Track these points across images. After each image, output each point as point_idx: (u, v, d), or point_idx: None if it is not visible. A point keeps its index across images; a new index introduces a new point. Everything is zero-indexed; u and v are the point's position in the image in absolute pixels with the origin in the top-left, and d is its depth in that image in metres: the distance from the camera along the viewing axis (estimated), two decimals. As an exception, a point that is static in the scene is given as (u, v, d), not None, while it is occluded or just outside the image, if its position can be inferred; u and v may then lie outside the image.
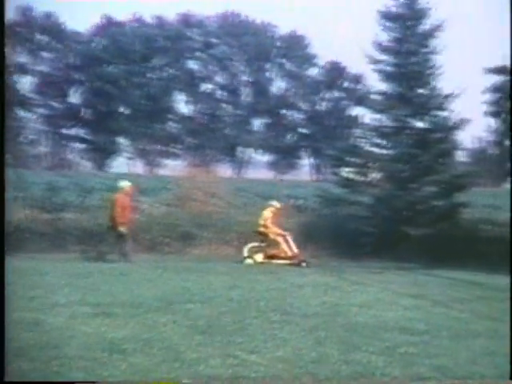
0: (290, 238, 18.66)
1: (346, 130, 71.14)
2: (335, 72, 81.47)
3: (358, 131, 26.24)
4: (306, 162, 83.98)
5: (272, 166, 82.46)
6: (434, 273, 16.84)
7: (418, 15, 23.01)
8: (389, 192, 22.17)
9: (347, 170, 23.51)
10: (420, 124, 23.47)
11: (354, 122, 60.23)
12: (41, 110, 74.48)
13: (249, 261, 18.31)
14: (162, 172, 61.03)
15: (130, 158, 78.13)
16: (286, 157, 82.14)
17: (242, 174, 77.99)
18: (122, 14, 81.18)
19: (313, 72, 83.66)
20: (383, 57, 23.23)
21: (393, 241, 20.62)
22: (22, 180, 25.87)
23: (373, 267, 17.96)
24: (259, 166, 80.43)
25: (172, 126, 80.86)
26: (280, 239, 18.57)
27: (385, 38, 23.13)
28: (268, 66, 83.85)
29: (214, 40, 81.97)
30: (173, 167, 27.33)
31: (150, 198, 24.48)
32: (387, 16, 23.02)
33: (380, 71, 23.24)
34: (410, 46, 22.99)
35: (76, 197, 24.95)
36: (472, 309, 11.47)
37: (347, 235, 21.10)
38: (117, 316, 9.69)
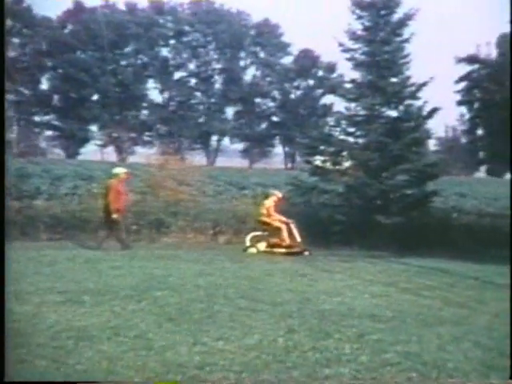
0: (293, 227, 18.54)
1: (318, 118, 71.37)
2: (308, 61, 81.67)
3: (330, 120, 26.22)
4: (280, 150, 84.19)
5: (245, 154, 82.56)
6: (403, 261, 16.92)
7: (391, 4, 23.01)
8: (361, 180, 22.21)
9: (319, 158, 23.49)
10: (392, 113, 23.51)
11: (326, 110, 60.48)
12: (11, 97, 73.68)
13: (252, 250, 18.18)
14: (134, 160, 60.73)
15: (102, 146, 77.73)
16: (259, 145, 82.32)
17: (215, 162, 77.94)
18: (93, 0, 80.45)
19: (286, 60, 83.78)
20: (356, 45, 23.20)
21: (364, 229, 20.66)
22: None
23: (343, 255, 17.98)
24: (232, 154, 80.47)
25: (144, 114, 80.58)
26: (283, 227, 18.45)
27: (358, 26, 23.13)
28: (241, 54, 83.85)
29: (187, 28, 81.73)
30: (145, 155, 27.14)
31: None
32: (360, 5, 22.99)
33: (353, 60, 23.21)
34: (383, 34, 22.98)
35: (47, 184, 24.76)
36: (440, 296, 11.54)
37: (319, 223, 21.10)
38: (84, 303, 9.63)
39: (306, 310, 9.72)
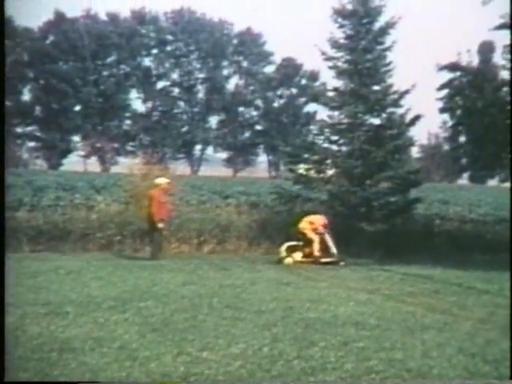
0: (328, 237, 18.50)
1: (302, 126, 71.60)
2: (291, 69, 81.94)
3: (313, 128, 26.27)
4: (264, 158, 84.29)
5: (229, 163, 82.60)
6: (387, 268, 16.95)
7: (373, 12, 23.12)
8: (344, 188, 22.27)
9: (303, 166, 23.52)
10: (375, 120, 23.59)
11: (309, 118, 60.67)
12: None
13: (288, 260, 18.14)
14: (117, 170, 60.52)
15: (84, 156, 77.47)
16: (242, 154, 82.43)
17: (199, 171, 77.89)
18: (74, 11, 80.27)
19: (269, 69, 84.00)
20: (339, 54, 23.28)
21: (347, 236, 20.66)
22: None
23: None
24: (216, 163, 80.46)
25: (127, 124, 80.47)
26: (316, 238, 18.40)
27: (340, 35, 23.20)
28: (224, 63, 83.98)
29: (169, 37, 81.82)
30: (128, 165, 27.05)
31: (104, 196, 24.25)
32: (342, 13, 23.07)
33: (335, 68, 23.28)
34: (364, 43, 23.07)
35: (29, 196, 24.59)
36: (424, 302, 11.57)
37: (302, 232, 21.11)
38: (67, 315, 9.57)
39: (290, 319, 9.71)
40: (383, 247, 20.37)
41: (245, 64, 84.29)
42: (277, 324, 9.30)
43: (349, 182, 22.50)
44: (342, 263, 17.99)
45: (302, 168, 23.48)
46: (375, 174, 22.52)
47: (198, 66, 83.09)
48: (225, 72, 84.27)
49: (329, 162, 23.22)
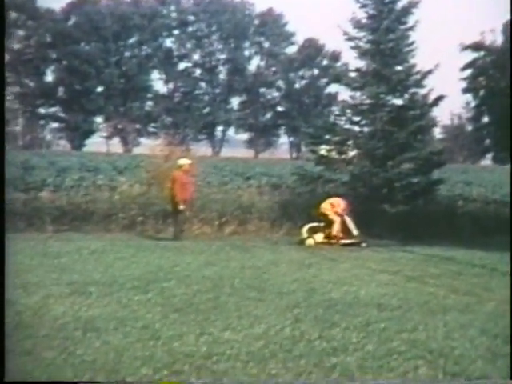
0: (349, 219, 18.51)
1: (323, 107, 71.31)
2: (313, 50, 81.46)
3: (335, 109, 26.16)
4: (285, 140, 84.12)
5: (250, 144, 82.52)
6: (409, 249, 16.92)
7: (396, -9, 22.93)
8: (366, 169, 22.18)
9: (325, 147, 23.45)
10: (397, 101, 23.44)
11: (331, 99, 60.40)
12: (16, 89, 73.71)
13: (309, 241, 18.15)
14: (139, 151, 60.72)
15: (107, 137, 77.75)
16: (264, 135, 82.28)
17: (220, 152, 77.90)
18: (97, -8, 79.97)
19: (291, 50, 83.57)
20: (361, 34, 23.11)
21: (369, 218, 20.61)
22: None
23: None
24: (237, 144, 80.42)
25: (149, 105, 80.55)
26: (337, 219, 18.41)
27: (362, 15, 23.03)
28: (246, 44, 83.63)
29: (190, 18, 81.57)
30: (151, 146, 27.10)
31: (127, 177, 24.35)
32: (365, -8, 22.90)
33: (358, 48, 23.13)
34: (387, 22, 22.87)
35: (52, 176, 24.75)
36: (446, 284, 11.53)
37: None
38: (91, 295, 9.65)
39: (312, 300, 9.73)
40: (405, 229, 20.30)
41: (266, 45, 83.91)
42: (299, 305, 9.32)
43: (371, 163, 22.40)
44: (364, 244, 17.98)
45: (323, 149, 23.41)
46: (397, 155, 22.40)
47: (220, 46, 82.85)
48: (246, 53, 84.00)
49: (350, 143, 23.13)
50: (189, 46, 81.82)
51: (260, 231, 20.18)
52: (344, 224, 18.48)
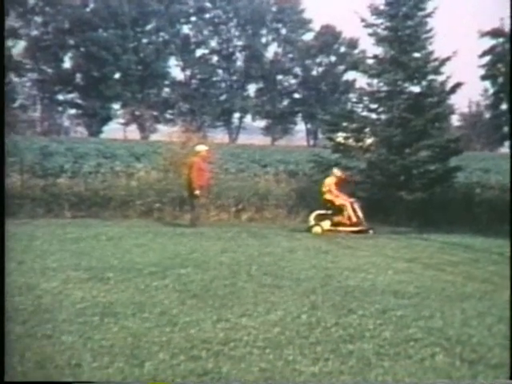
0: (357, 205, 18.49)
1: (340, 94, 71.12)
2: (330, 37, 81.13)
3: (352, 96, 26.11)
4: (302, 127, 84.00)
5: (267, 131, 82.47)
6: (426, 236, 16.89)
7: (415, -23, 22.78)
8: (383, 157, 22.14)
9: (342, 135, 23.42)
10: (415, 88, 23.36)
11: (348, 86, 60.20)
12: (33, 75, 73.98)
13: (316, 228, 18.08)
14: (157, 137, 60.84)
15: (124, 124, 77.97)
16: (280, 122, 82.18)
17: (237, 139, 77.94)
18: (114, -22, 79.79)
19: (308, 37, 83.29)
20: (378, 20, 23.00)
21: (386, 205, 20.62)
22: (15, 145, 25.79)
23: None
24: (254, 131, 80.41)
25: (166, 92, 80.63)
26: (348, 205, 18.41)
27: (380, 1, 22.92)
28: (263, 31, 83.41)
29: (207, 4, 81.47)
30: (168, 133, 27.19)
31: (144, 164, 24.44)
32: (383, -22, 22.79)
33: (375, 35, 23.02)
34: (405, 9, 22.76)
35: (70, 163, 24.89)
36: (463, 271, 11.51)
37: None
38: (109, 280, 9.72)
39: (328, 287, 9.75)
40: (422, 216, 20.27)
41: (283, 31, 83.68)
42: (315, 292, 9.34)
43: (388, 151, 22.36)
44: (371, 231, 17.94)
45: (340, 136, 23.38)
46: (415, 143, 22.33)
47: (237, 33, 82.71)
48: (263, 40, 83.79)
49: (368, 130, 23.08)
50: (206, 32, 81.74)
51: (277, 218, 20.22)
52: (353, 210, 18.43)
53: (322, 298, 8.93)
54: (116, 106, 78.37)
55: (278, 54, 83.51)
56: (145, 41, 78.73)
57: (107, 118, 77.06)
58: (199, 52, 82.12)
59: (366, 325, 7.61)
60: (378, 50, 23.21)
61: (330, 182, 18.70)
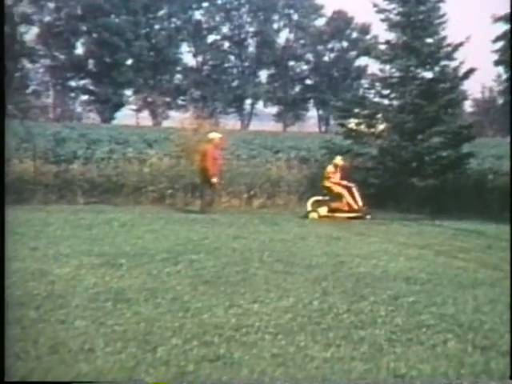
0: (355, 191, 18.57)
1: (352, 80, 70.89)
2: (342, 22, 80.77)
3: (364, 82, 26.02)
4: (314, 113, 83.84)
5: (279, 117, 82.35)
6: (438, 223, 16.87)
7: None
8: (395, 143, 22.09)
9: (354, 121, 23.37)
10: (427, 74, 23.26)
11: (360, 72, 59.98)
12: (46, 61, 74.07)
13: (313, 214, 18.18)
14: (169, 124, 60.86)
15: (136, 110, 78.04)
16: (292, 108, 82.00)
17: (249, 126, 77.88)
18: (126, -36, 79.58)
19: (320, 22, 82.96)
20: (391, 6, 22.88)
21: (398, 192, 20.59)
22: (28, 131, 25.87)
23: (377, 218, 17.97)
24: (266, 117, 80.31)
25: (178, 78, 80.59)
26: (345, 192, 18.48)
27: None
28: (275, 16, 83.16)
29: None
30: (180, 119, 27.20)
31: (156, 150, 24.47)
32: (395, -37, 22.64)
33: (387, 20, 22.92)
34: (418, -6, 22.65)
35: (83, 149, 24.93)
36: (476, 258, 11.50)
37: (352, 187, 21.11)
38: (121, 266, 9.75)
39: (340, 273, 9.76)
40: (434, 203, 20.23)
41: (295, 17, 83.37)
42: (327, 278, 9.35)
43: (400, 137, 22.29)
44: (368, 217, 17.99)
45: (352, 123, 23.33)
46: (427, 129, 22.26)
47: (249, 19, 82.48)
48: (275, 26, 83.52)
49: (380, 116, 23.03)
50: (218, 18, 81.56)
51: (288, 205, 20.23)
52: (351, 196, 18.48)
53: (333, 285, 8.94)
54: (128, 92, 78.48)
55: (289, 39, 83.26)
56: (157, 27, 78.65)
57: (119, 104, 77.13)
58: (211, 38, 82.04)
59: (377, 311, 7.62)
60: (391, 36, 23.14)
61: (330, 169, 18.82)
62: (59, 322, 6.85)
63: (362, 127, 22.97)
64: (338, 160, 19.10)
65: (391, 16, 22.88)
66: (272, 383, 5.46)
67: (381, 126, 23.13)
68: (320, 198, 18.61)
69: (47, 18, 73.80)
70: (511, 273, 9.43)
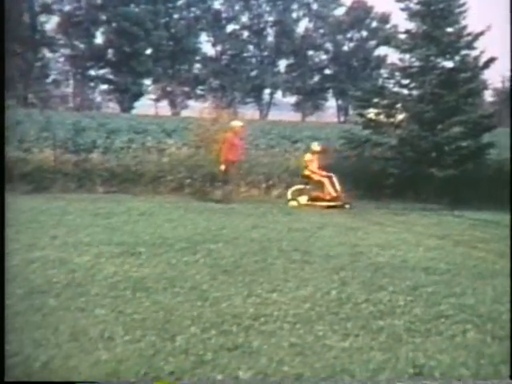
0: (335, 180, 18.65)
1: (372, 70, 70.54)
2: (362, 11, 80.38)
3: (384, 72, 25.88)
4: (333, 103, 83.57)
5: (297, 107, 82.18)
6: (457, 213, 16.80)
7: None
8: (414, 133, 21.97)
9: (373, 111, 23.28)
10: (448, 63, 23.09)
11: (380, 62, 59.68)
12: (66, 51, 74.30)
13: (293, 203, 18.36)
14: (187, 113, 60.89)
15: (155, 100, 78.16)
16: (311, 98, 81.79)
17: (268, 115, 77.76)
18: (145, -47, 79.57)
19: (339, 12, 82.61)
20: (411, -6, 22.77)
21: (417, 182, 20.51)
22: (48, 120, 25.99)
23: (396, 208, 17.93)
24: (285, 107, 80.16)
25: (197, 68, 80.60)
26: (325, 181, 18.59)
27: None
28: (294, 6, 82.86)
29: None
30: (198, 109, 27.20)
31: (175, 140, 24.49)
32: (415, -49, 22.49)
33: (407, 10, 22.78)
34: (438, -17, 22.49)
35: (102, 138, 24.99)
36: (495, 248, 11.43)
37: (371, 177, 21.04)
38: (140, 255, 9.80)
39: (358, 263, 9.75)
40: (453, 193, 20.11)
41: (314, 6, 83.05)
42: (345, 268, 9.35)
43: (419, 127, 22.17)
44: (347, 206, 18.09)
45: (371, 112, 23.24)
46: (447, 119, 22.11)
47: (268, 8, 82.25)
48: (294, 15, 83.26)
49: (399, 106, 22.91)
50: (237, 8, 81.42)
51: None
52: (332, 185, 18.54)
53: (351, 275, 8.94)
54: (147, 81, 78.59)
55: (308, 29, 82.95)
56: (176, 16, 78.64)
57: (139, 94, 77.27)
58: (230, 27, 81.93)
59: (396, 301, 7.61)
60: (411, 25, 22.97)
61: (308, 157, 18.97)
62: (79, 310, 6.90)
63: (381, 117, 22.87)
64: (315, 146, 19.27)
65: (411, 5, 22.74)
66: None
67: (400, 116, 23.03)
68: (301, 186, 18.80)
69: (67, 8, 73.99)
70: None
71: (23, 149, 21.00)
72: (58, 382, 5.17)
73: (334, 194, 18.49)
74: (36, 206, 15.47)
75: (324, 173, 18.83)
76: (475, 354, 5.92)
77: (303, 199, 18.54)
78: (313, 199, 18.58)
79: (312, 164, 18.91)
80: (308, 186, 18.80)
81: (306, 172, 18.92)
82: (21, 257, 9.29)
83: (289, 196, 18.70)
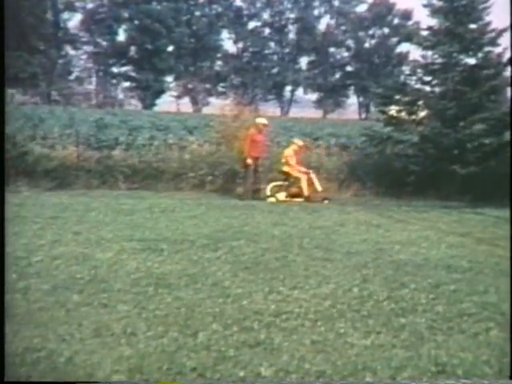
0: (314, 176, 18.77)
1: (393, 67, 70.22)
2: (384, 8, 79.96)
3: (406, 68, 25.78)
4: (354, 100, 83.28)
5: (319, 104, 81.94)
6: (479, 211, 16.70)
7: None
8: (436, 130, 21.86)
9: (394, 108, 23.19)
10: (470, 60, 22.94)
11: (402, 59, 59.41)
12: (89, 48, 74.62)
13: (271, 199, 18.48)
14: (209, 110, 60.96)
15: (177, 97, 78.29)
16: (332, 95, 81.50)
17: (289, 112, 77.67)
18: (167, -49, 79.61)
19: (361, 9, 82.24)
20: (433, -9, 22.66)
21: (439, 179, 20.41)
22: (71, 117, 26.18)
23: (417, 206, 17.87)
24: (306, 104, 79.98)
25: (219, 65, 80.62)
26: (302, 177, 18.67)
27: (435, -29, 22.52)
28: (315, 3, 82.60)
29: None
30: (220, 106, 27.25)
31: (197, 137, 24.57)
32: None
33: (430, 6, 22.66)
34: (461, -22, 22.36)
35: (124, 135, 25.13)
36: (518, 247, 11.37)
37: (392, 174, 20.98)
38: (162, 252, 9.85)
39: (380, 260, 9.73)
40: (475, 190, 20.01)
41: (336, 3, 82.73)
42: (367, 265, 9.34)
43: (441, 124, 22.05)
44: (326, 201, 18.14)
45: (393, 109, 23.14)
46: (469, 116, 21.98)
47: (289, 5, 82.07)
48: (316, 12, 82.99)
49: (421, 103, 22.79)
50: (258, 5, 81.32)
51: (328, 192, 20.16)
52: (309, 181, 18.68)
53: (373, 272, 8.93)
54: (169, 78, 78.71)
55: (330, 26, 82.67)
56: (197, 13, 78.71)
57: (160, 91, 77.43)
58: (251, 25, 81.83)
59: (418, 299, 7.59)
60: (433, 22, 22.84)
61: (288, 153, 19.08)
62: (102, 306, 6.96)
63: (403, 114, 22.77)
64: (297, 141, 19.36)
65: (433, 1, 22.62)
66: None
67: (422, 113, 22.92)
68: (280, 182, 18.94)
69: (90, 5, 74.29)
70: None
71: (47, 146, 21.18)
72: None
73: (305, 193, 18.60)
74: (59, 203, 15.61)
75: (303, 169, 18.90)
76: (498, 352, 5.90)
77: (281, 195, 18.68)
78: (291, 196, 18.66)
79: (292, 160, 18.95)
80: (286, 182, 18.88)
81: (285, 168, 18.96)
82: (45, 253, 9.38)
83: (268, 192, 18.77)
